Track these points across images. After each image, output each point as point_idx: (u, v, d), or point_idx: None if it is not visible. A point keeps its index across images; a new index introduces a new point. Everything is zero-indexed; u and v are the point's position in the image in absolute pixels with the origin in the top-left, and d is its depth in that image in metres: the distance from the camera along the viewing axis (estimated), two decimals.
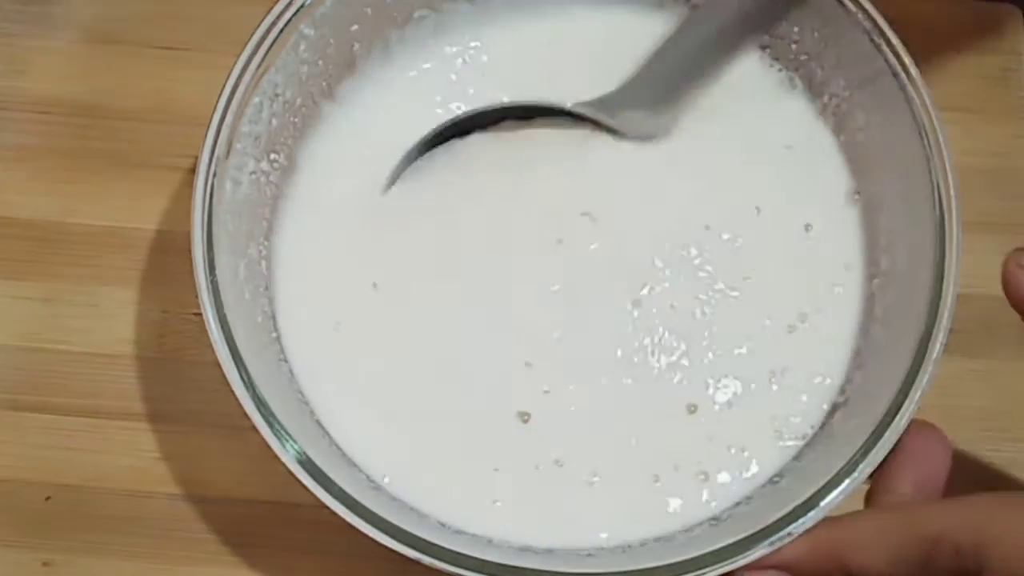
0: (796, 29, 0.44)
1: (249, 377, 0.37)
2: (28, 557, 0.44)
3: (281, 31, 0.40)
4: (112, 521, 0.45)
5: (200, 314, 0.37)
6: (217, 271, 0.38)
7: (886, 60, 0.40)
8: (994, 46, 0.52)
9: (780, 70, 0.46)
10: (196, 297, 0.37)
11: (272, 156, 0.43)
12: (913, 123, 0.40)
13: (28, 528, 0.45)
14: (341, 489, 0.36)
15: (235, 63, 0.40)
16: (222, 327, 0.37)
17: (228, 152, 0.39)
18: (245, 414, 0.36)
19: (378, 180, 0.44)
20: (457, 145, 0.45)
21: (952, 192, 0.39)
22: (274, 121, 0.42)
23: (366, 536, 0.36)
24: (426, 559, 0.35)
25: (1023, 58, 0.52)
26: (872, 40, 0.41)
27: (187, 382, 0.46)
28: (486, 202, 0.44)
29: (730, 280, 0.43)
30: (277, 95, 0.41)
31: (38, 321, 0.47)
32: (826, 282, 0.43)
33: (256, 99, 0.40)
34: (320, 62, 0.43)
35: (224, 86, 0.39)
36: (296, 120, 0.43)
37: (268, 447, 0.36)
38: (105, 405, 0.46)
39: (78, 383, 0.46)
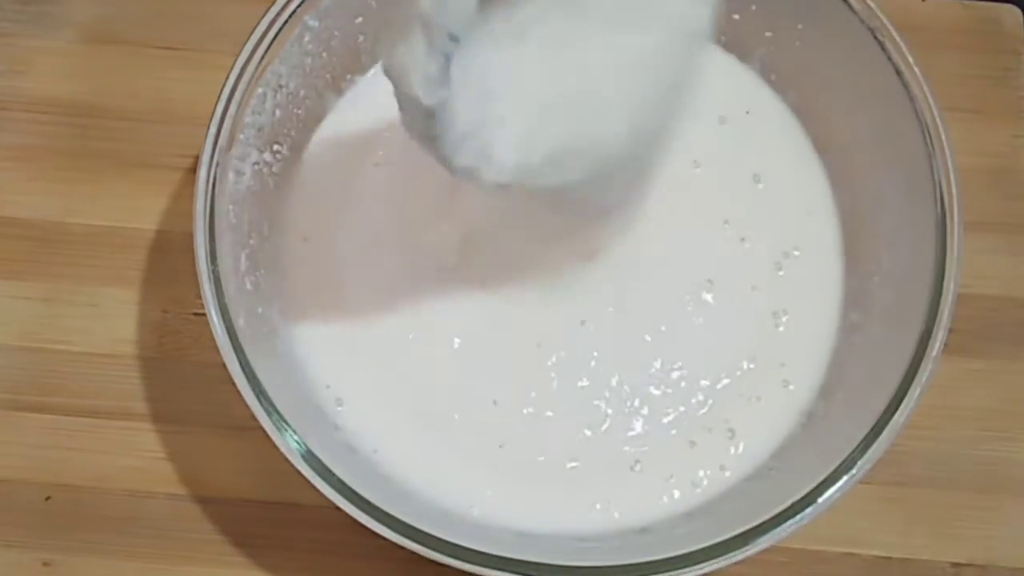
0: (800, 27, 0.44)
1: (250, 367, 0.37)
2: (28, 557, 0.44)
3: (286, 22, 0.40)
4: (112, 521, 0.45)
5: (200, 314, 0.37)
6: (219, 261, 0.38)
7: (889, 58, 0.40)
8: (994, 46, 0.52)
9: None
10: (196, 297, 0.37)
11: (275, 147, 0.43)
12: (916, 122, 0.40)
13: (28, 528, 0.45)
14: (340, 480, 0.36)
15: (239, 54, 0.40)
16: (223, 317, 0.37)
17: (231, 143, 0.39)
18: (245, 412, 0.36)
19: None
20: None
21: (954, 191, 0.39)
22: (277, 112, 0.42)
23: (366, 536, 0.36)
24: (423, 550, 0.35)
25: (1023, 58, 0.52)
26: (876, 38, 0.41)
27: (187, 382, 0.46)
28: None
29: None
30: (281, 86, 0.42)
31: (38, 321, 0.47)
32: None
33: (260, 90, 0.40)
34: (324, 54, 0.43)
35: (228, 76, 0.39)
36: (300, 112, 0.44)
37: (268, 446, 0.36)
38: (105, 405, 0.46)
39: (78, 383, 0.46)
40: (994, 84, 0.52)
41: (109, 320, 0.47)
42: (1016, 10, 0.53)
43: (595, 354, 0.43)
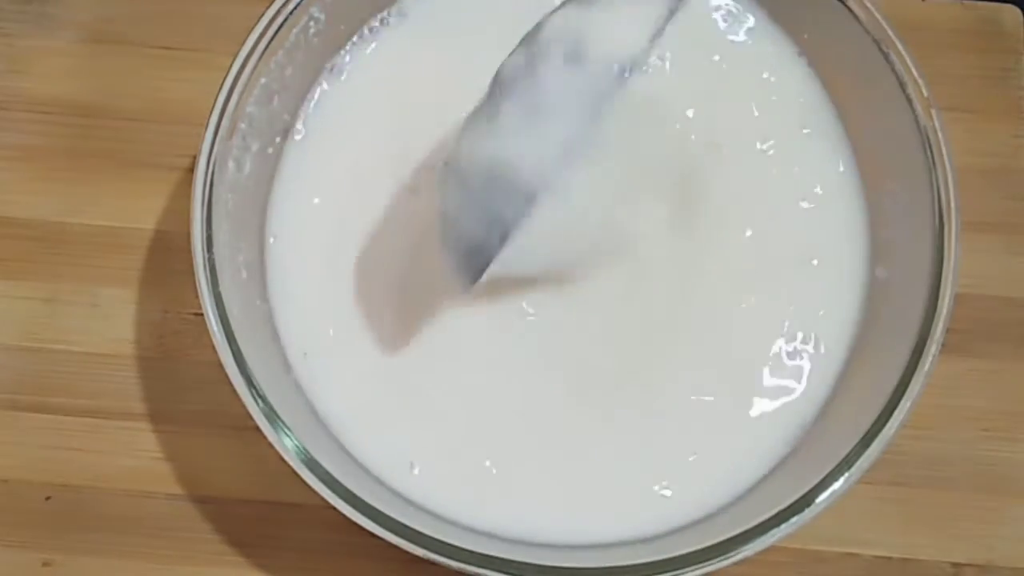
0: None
1: (245, 365, 0.37)
2: (28, 557, 0.44)
3: (290, 14, 0.40)
4: (112, 521, 0.45)
5: (200, 314, 0.37)
6: (215, 248, 0.38)
7: (887, 59, 0.40)
8: (994, 46, 0.52)
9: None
10: (196, 297, 0.37)
11: (276, 138, 0.43)
12: (914, 122, 0.40)
13: (28, 528, 0.45)
14: (335, 479, 0.36)
15: (243, 44, 0.40)
16: (217, 305, 0.37)
17: (232, 132, 0.39)
18: (244, 412, 0.37)
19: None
20: None
21: (952, 191, 0.39)
22: (278, 104, 0.42)
23: (365, 536, 0.36)
24: (422, 551, 0.35)
25: (1023, 58, 0.52)
26: (874, 39, 0.41)
27: (187, 382, 0.46)
28: None
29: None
30: (283, 78, 0.42)
31: (38, 321, 0.47)
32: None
33: (262, 80, 0.40)
34: (326, 46, 0.43)
35: (231, 66, 0.39)
36: (301, 102, 0.43)
37: (267, 446, 0.36)
38: (105, 405, 0.46)
39: (78, 383, 0.46)
40: (994, 84, 0.52)
41: (109, 320, 0.47)
42: (1016, 10, 0.53)
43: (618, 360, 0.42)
